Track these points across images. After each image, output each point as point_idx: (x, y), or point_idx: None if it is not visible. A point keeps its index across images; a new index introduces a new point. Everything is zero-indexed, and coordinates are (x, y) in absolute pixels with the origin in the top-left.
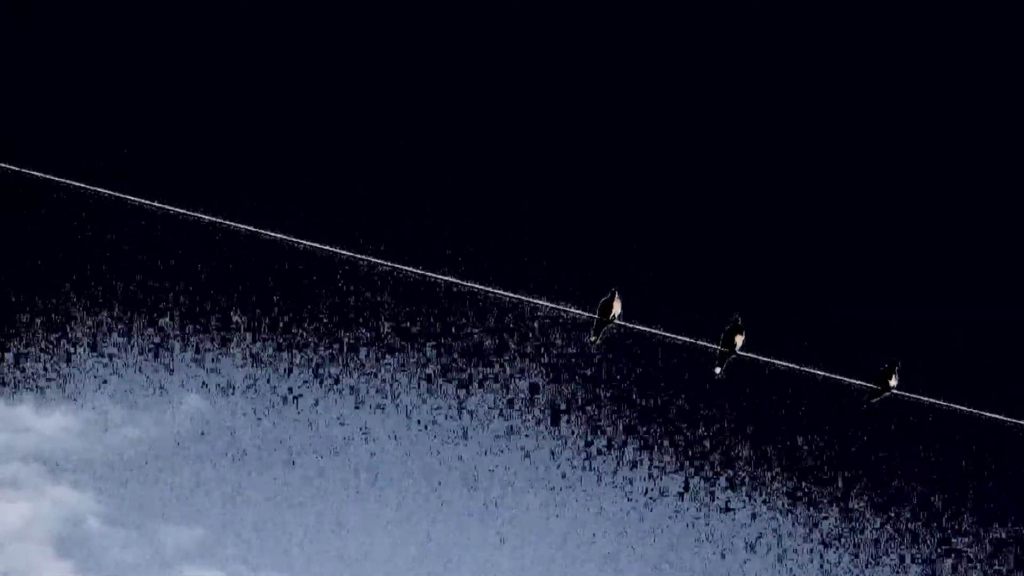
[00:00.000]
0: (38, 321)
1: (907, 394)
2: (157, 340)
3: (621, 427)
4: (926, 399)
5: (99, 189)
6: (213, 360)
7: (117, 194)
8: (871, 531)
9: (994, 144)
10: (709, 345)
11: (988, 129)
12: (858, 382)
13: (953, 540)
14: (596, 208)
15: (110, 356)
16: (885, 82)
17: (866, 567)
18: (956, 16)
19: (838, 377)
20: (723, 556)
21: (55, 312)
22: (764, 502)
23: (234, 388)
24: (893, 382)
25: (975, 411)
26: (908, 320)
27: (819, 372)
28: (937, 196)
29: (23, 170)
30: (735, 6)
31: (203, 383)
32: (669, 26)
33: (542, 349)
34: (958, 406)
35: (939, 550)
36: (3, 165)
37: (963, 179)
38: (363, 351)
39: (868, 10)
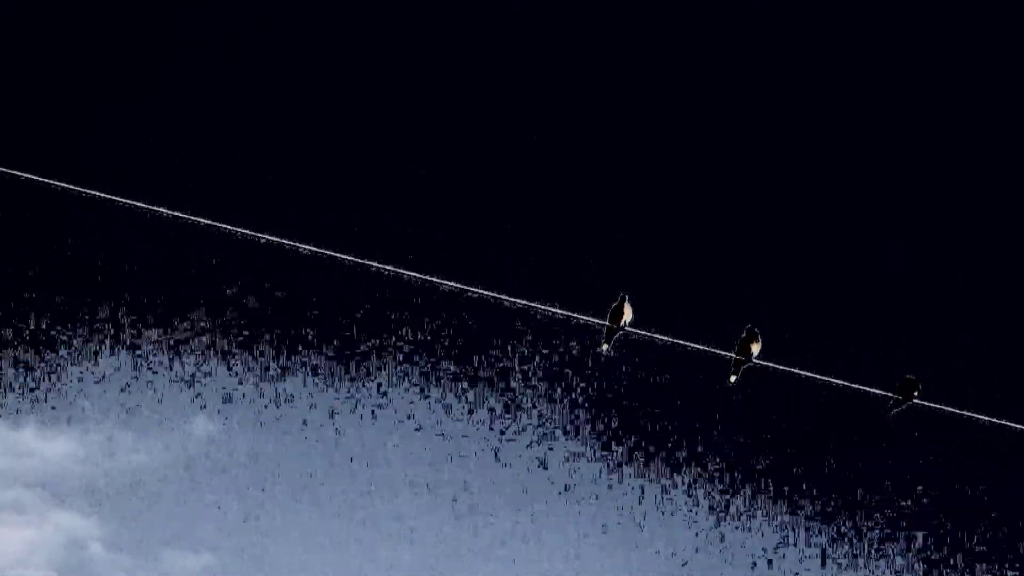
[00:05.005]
0: (40, 343)
1: (930, 404)
2: (164, 361)
3: (632, 436)
4: (948, 408)
5: (98, 192)
6: (223, 381)
7: (119, 199)
8: (886, 540)
9: (1019, 152)
10: (724, 353)
11: (1011, 136)
12: (878, 391)
13: (971, 550)
14: (608, 213)
15: (115, 379)
16: (905, 93)
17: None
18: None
19: (856, 386)
20: (736, 567)
21: (58, 333)
22: (778, 512)
23: (244, 410)
24: (916, 393)
25: (1000, 422)
26: (926, 328)
27: (837, 381)
28: (956, 204)
29: (24, 175)
30: (748, 11)
31: (213, 404)
32: (688, 36)
33: (551, 356)
34: (981, 416)
35: (958, 561)
36: (4, 170)
37: (986, 186)
38: (374, 370)
39: (884, 15)
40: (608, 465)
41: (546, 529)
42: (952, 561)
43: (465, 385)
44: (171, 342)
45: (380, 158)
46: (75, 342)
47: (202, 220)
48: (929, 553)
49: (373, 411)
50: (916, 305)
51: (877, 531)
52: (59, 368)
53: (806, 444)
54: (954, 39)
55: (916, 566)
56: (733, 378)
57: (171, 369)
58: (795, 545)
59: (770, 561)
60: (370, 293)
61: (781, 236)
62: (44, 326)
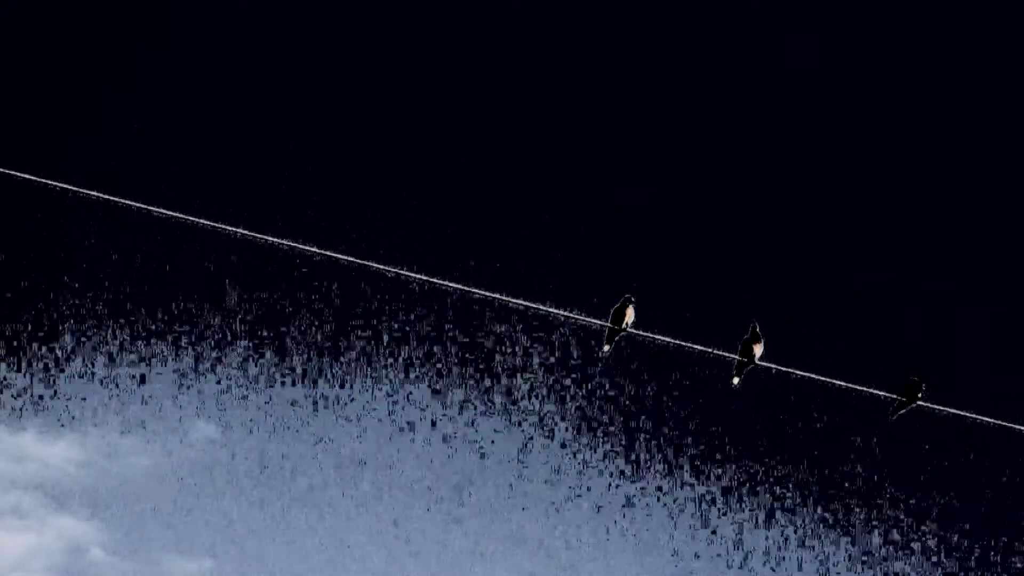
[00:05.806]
0: (40, 346)
1: (934, 406)
2: (164, 365)
3: (633, 437)
4: (952, 410)
5: (98, 193)
6: (223, 386)
7: (120, 199)
8: (890, 541)
9: (1018, 152)
10: (726, 355)
11: (1011, 136)
12: (882, 393)
13: (974, 550)
14: (610, 214)
15: (115, 383)
16: (905, 94)
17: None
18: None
19: (860, 388)
20: (738, 568)
21: (58, 338)
22: (781, 513)
23: (244, 415)
24: (920, 395)
25: (1004, 423)
26: (930, 330)
27: (841, 383)
28: (956, 204)
29: (24, 175)
30: (749, 12)
31: (213, 409)
32: (689, 37)
33: (552, 357)
34: (985, 418)
35: (961, 561)
36: (4, 170)
37: (986, 186)
38: (374, 373)
39: (884, 15)
40: (609, 467)
41: (546, 530)
42: (955, 561)
43: (465, 387)
44: (171, 346)
45: (380, 158)
46: (75, 345)
47: (201, 220)
48: (933, 553)
49: (373, 414)
50: (919, 306)
51: (880, 531)
52: (59, 372)
53: (809, 446)
54: (954, 39)
55: (920, 566)
56: (736, 380)
57: (171, 373)
58: (797, 546)
59: (773, 562)
60: (370, 294)
61: (783, 238)
62: (43, 329)
